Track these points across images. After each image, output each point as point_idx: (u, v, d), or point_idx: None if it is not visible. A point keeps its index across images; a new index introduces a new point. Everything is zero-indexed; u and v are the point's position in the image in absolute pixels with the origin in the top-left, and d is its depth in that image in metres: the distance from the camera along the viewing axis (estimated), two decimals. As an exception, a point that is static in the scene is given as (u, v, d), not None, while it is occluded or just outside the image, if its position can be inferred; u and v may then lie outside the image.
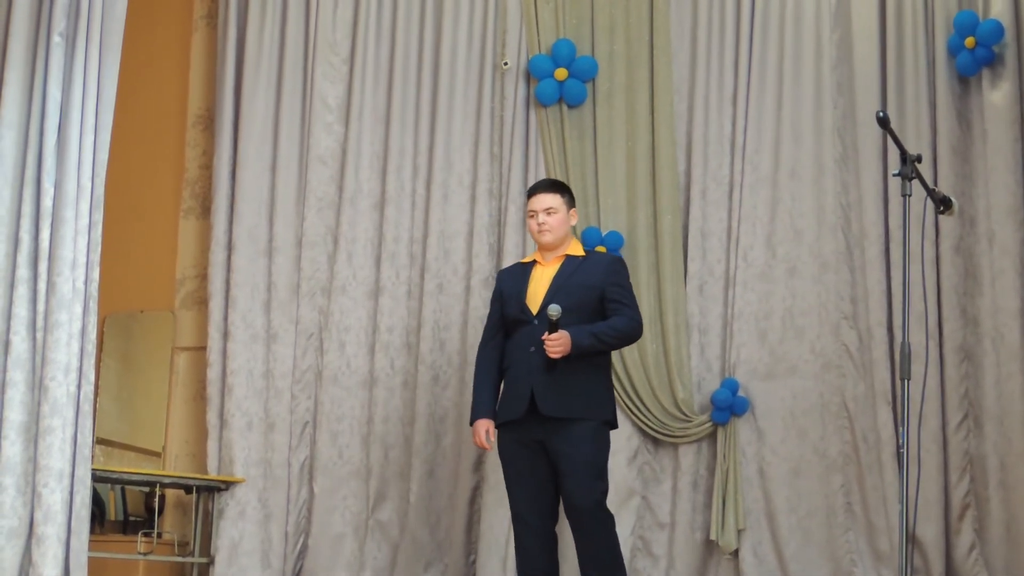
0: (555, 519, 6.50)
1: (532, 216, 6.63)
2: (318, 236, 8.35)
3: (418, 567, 7.93)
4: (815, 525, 7.55)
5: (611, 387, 6.64)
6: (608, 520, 6.35)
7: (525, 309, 6.52)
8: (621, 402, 7.65)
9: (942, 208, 5.83)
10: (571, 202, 6.70)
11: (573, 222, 6.68)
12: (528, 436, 6.40)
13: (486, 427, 6.55)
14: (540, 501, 6.44)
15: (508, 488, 6.56)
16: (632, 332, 6.53)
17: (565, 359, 6.30)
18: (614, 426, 6.57)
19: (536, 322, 6.45)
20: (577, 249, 6.66)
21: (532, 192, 6.72)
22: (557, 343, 6.25)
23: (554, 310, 6.24)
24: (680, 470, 7.79)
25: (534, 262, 6.71)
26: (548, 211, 6.58)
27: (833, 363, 7.64)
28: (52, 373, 6.32)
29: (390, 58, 8.45)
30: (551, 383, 6.34)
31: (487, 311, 7.99)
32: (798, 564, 7.51)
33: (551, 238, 6.58)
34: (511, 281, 6.72)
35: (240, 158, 8.43)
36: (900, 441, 5.36)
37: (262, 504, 8.11)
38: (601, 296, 6.50)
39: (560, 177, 7.94)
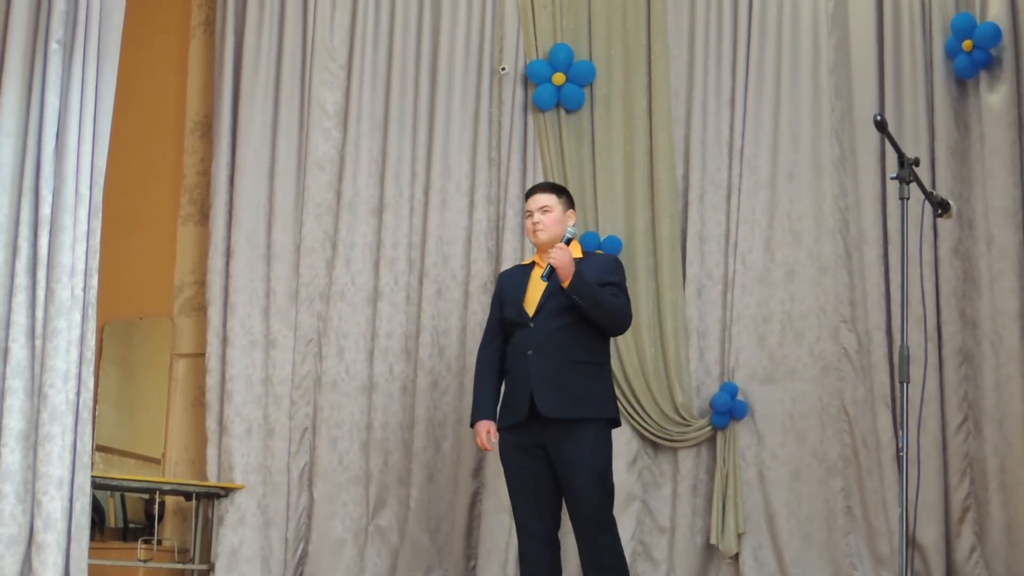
0: (558, 524, 6.49)
1: (528, 216, 6.61)
2: (316, 242, 8.35)
3: (418, 572, 7.93)
4: (815, 528, 7.55)
5: (611, 385, 6.59)
6: (611, 524, 6.33)
7: (522, 312, 6.50)
8: (620, 407, 7.63)
9: (940, 211, 5.83)
10: (568, 203, 6.67)
11: (570, 223, 6.63)
12: (530, 440, 6.37)
13: (487, 428, 6.53)
14: (543, 507, 6.41)
15: (511, 495, 6.53)
16: (623, 315, 6.45)
17: (566, 355, 6.33)
18: (616, 424, 6.55)
19: (532, 325, 6.44)
20: (575, 251, 6.59)
21: (529, 193, 6.71)
22: (560, 250, 6.21)
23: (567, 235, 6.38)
24: (680, 474, 7.79)
25: (533, 264, 6.69)
26: (543, 210, 6.56)
27: (832, 366, 7.64)
28: (51, 380, 6.33)
29: (388, 64, 8.46)
30: (549, 384, 6.32)
31: (485, 316, 8.02)
32: (798, 567, 7.51)
33: (545, 237, 6.53)
34: (510, 283, 6.70)
35: (238, 164, 8.43)
36: (900, 444, 5.36)
37: (262, 510, 8.11)
38: None
39: (558, 182, 7.95)
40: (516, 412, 6.41)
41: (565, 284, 6.26)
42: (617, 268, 6.64)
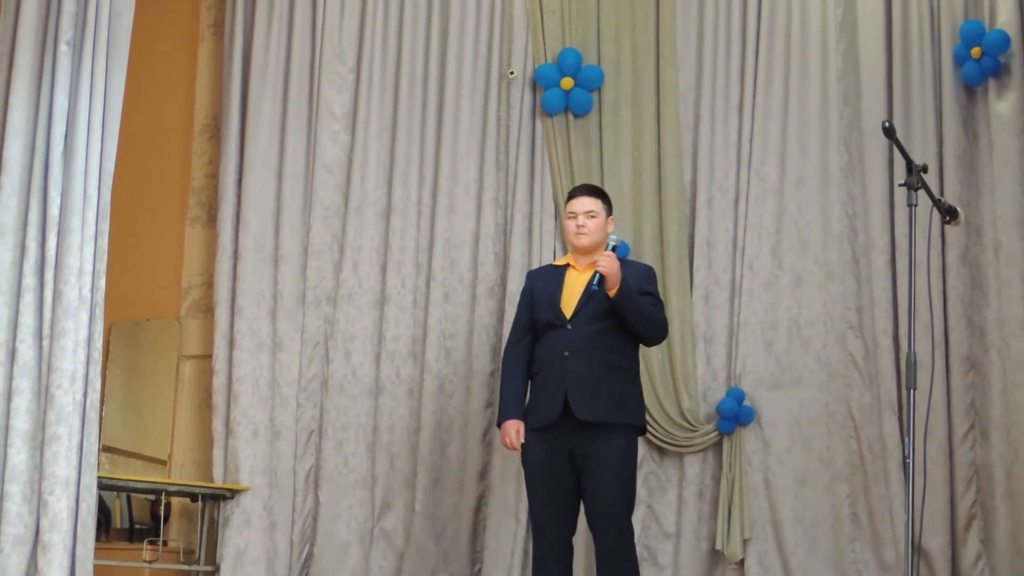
0: (573, 530, 6.48)
1: (572, 218, 6.58)
2: (324, 245, 8.36)
3: (423, 576, 7.95)
4: (821, 535, 7.54)
5: (641, 392, 6.58)
6: (629, 531, 6.33)
7: (559, 314, 6.46)
8: (627, 411, 7.65)
9: (948, 218, 5.82)
10: (610, 209, 6.67)
11: (610, 229, 6.63)
12: (557, 445, 6.35)
13: (516, 427, 6.49)
14: (562, 513, 6.40)
15: (530, 498, 6.52)
16: (662, 325, 6.51)
17: (600, 362, 6.34)
18: (643, 431, 6.56)
19: (570, 327, 6.41)
20: None
21: (574, 194, 6.67)
22: (608, 258, 6.22)
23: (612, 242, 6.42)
24: (686, 480, 7.79)
25: (567, 265, 6.66)
26: (589, 214, 6.54)
27: (839, 373, 7.63)
28: (58, 381, 6.33)
29: (396, 67, 8.47)
30: (585, 387, 6.31)
31: (492, 320, 8.04)
32: (804, 574, 7.50)
33: (588, 241, 6.53)
34: (543, 283, 6.67)
35: (246, 167, 8.44)
36: (906, 451, 5.35)
37: (267, 512, 8.11)
38: None
39: (566, 186, 7.95)
40: (547, 413, 6.38)
41: (612, 292, 6.26)
42: (653, 278, 6.66)
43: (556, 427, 6.35)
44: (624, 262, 6.65)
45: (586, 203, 6.58)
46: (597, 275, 6.22)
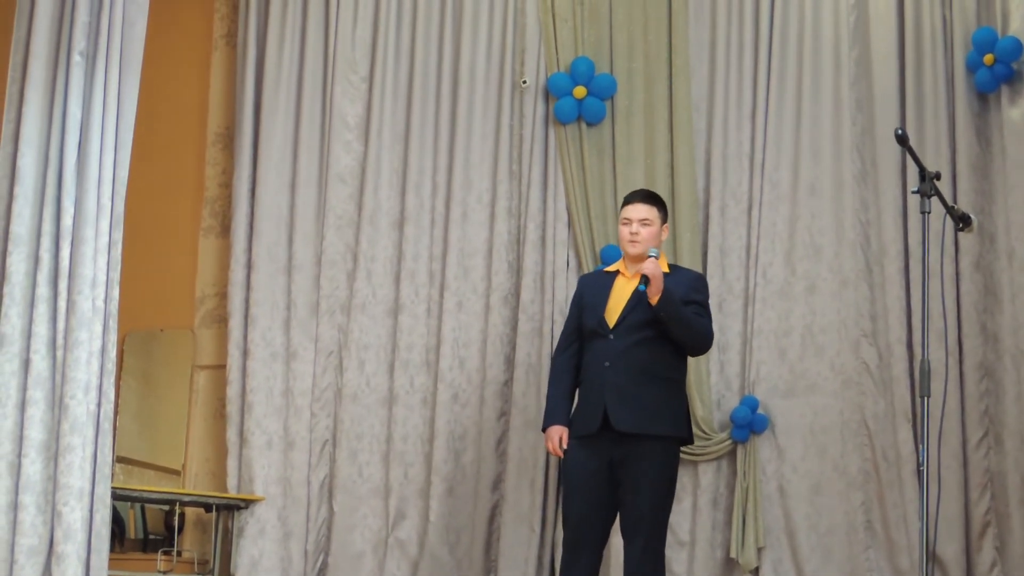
0: (605, 542, 6.42)
1: (626, 224, 6.46)
2: (337, 254, 8.36)
3: (437, 585, 7.94)
4: (835, 542, 7.53)
5: (686, 402, 6.49)
6: (660, 542, 6.26)
7: (603, 323, 6.39)
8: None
9: (961, 225, 5.81)
10: (665, 217, 6.56)
11: (664, 237, 6.56)
12: (599, 455, 6.29)
13: (559, 434, 6.42)
14: (595, 526, 6.33)
15: (565, 506, 6.47)
16: (706, 334, 6.42)
17: (643, 371, 6.28)
18: (689, 441, 6.48)
19: (612, 337, 6.35)
20: (662, 264, 6.46)
21: (629, 200, 6.55)
22: (653, 265, 6.14)
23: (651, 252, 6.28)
24: (700, 488, 7.77)
25: (618, 272, 6.58)
26: (643, 222, 6.42)
27: (853, 380, 7.62)
28: (72, 391, 6.34)
29: (409, 76, 8.47)
30: (624, 398, 6.25)
31: (506, 329, 8.04)
32: (818, 582, 7.51)
33: (640, 249, 6.38)
34: (593, 290, 6.58)
35: (260, 176, 8.46)
36: (920, 458, 5.36)
37: (282, 522, 8.12)
38: None
39: (579, 195, 7.95)
40: (588, 423, 6.32)
41: (654, 301, 6.19)
42: (703, 287, 6.56)
43: (597, 437, 6.29)
44: (674, 268, 6.59)
45: (641, 210, 6.47)
46: (644, 276, 6.16)
